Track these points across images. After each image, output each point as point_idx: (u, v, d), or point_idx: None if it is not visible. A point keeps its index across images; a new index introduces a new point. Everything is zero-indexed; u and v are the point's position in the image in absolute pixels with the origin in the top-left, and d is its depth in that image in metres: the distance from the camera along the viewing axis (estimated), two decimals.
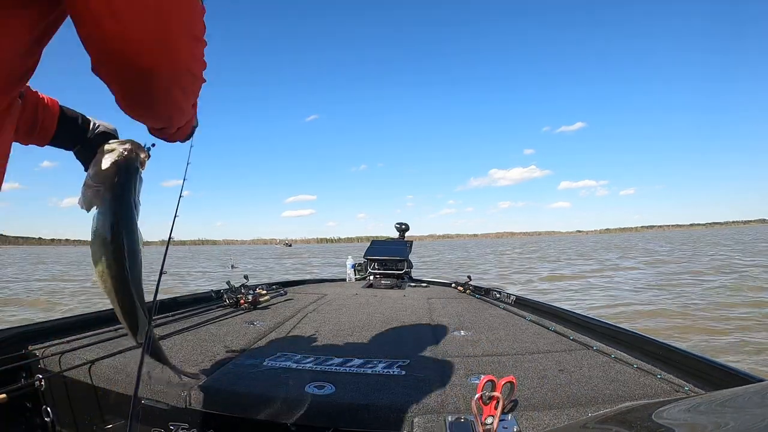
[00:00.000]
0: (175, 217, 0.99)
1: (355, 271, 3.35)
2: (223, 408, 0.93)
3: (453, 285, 2.72)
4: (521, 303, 1.98)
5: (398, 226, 3.69)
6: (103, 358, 1.12)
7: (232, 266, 17.82)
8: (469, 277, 2.68)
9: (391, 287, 2.79)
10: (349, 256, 3.45)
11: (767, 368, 2.95)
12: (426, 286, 2.83)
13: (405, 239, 3.63)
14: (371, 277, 3.19)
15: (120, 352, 1.16)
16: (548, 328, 1.52)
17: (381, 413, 0.86)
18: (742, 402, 0.39)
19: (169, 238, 1.01)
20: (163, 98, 0.50)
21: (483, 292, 2.35)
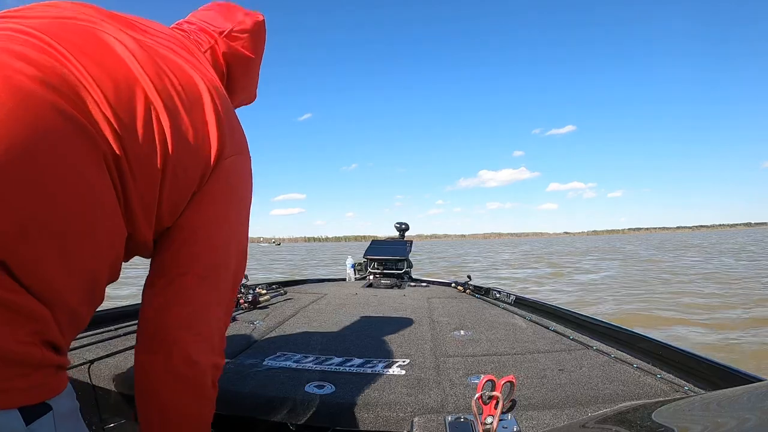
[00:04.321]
0: None
1: (354, 270, 3.35)
2: (222, 408, 0.93)
3: (453, 285, 2.72)
4: (521, 302, 1.98)
5: (398, 225, 3.69)
6: (102, 357, 1.11)
7: None
8: (468, 276, 2.68)
9: (391, 287, 2.79)
10: (349, 256, 3.45)
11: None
12: (426, 286, 2.83)
13: (405, 239, 3.63)
14: (371, 277, 3.19)
15: (120, 352, 1.16)
16: (548, 328, 1.52)
17: (381, 413, 0.86)
18: (742, 402, 0.39)
19: None
20: None
21: (483, 292, 2.35)
